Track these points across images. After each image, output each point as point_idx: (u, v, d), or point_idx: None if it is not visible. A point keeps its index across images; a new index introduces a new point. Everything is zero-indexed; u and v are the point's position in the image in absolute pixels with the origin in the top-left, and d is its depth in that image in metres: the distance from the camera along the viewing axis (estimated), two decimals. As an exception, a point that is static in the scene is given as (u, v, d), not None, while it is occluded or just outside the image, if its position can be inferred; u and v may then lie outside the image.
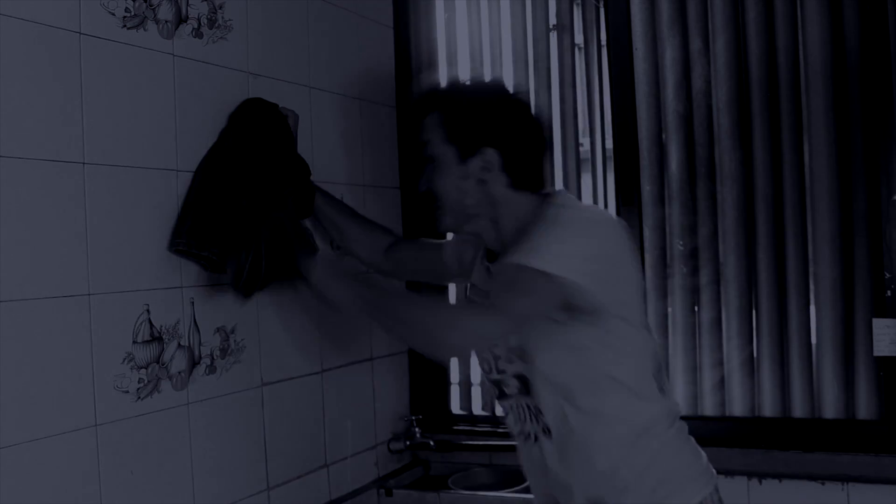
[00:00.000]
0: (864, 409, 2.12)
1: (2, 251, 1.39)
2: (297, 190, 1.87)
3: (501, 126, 1.59)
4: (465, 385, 2.55)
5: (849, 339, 2.13)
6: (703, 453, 1.63)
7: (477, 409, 2.54)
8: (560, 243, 1.47)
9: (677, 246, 2.29)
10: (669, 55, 2.28)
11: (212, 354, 1.81)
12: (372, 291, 1.64)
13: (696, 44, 2.26)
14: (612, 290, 1.50)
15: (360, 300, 1.62)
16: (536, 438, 1.62)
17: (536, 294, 1.44)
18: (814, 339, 2.16)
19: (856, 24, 2.11)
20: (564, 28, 2.42)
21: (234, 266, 1.73)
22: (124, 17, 1.63)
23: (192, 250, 1.69)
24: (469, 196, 1.60)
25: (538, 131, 1.66)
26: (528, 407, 1.60)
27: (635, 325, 1.58)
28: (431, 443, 2.42)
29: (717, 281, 2.25)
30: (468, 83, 1.88)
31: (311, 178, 1.93)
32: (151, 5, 1.69)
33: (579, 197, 2.40)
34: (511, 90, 1.71)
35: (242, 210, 1.73)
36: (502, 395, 1.66)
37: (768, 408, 2.20)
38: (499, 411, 2.49)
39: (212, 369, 1.81)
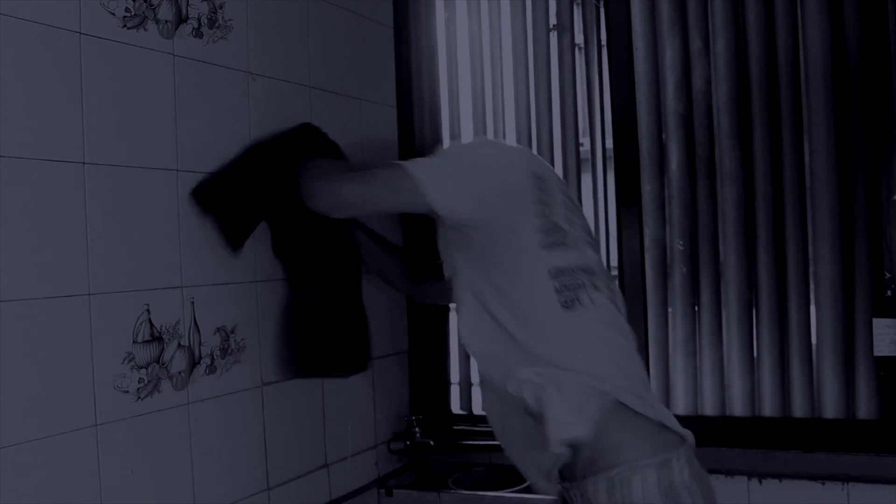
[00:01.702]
0: (865, 409, 2.12)
1: (2, 251, 1.39)
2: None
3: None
4: (465, 385, 2.55)
5: (849, 339, 2.13)
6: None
7: (477, 409, 2.54)
8: (452, 161, 1.67)
9: (677, 246, 2.29)
10: (669, 55, 2.28)
11: (212, 354, 1.81)
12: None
13: (696, 44, 2.26)
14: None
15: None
16: None
17: (397, 190, 1.66)
18: (814, 339, 2.16)
19: (856, 24, 2.11)
20: (564, 28, 2.42)
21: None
22: (124, 17, 1.63)
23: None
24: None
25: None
26: None
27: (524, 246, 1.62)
28: (431, 443, 2.42)
29: (717, 281, 2.25)
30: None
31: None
32: (151, 5, 1.69)
33: (579, 198, 2.40)
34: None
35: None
36: None
37: (768, 408, 2.20)
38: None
39: (212, 369, 1.81)
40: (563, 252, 1.60)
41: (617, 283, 1.78)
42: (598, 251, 1.73)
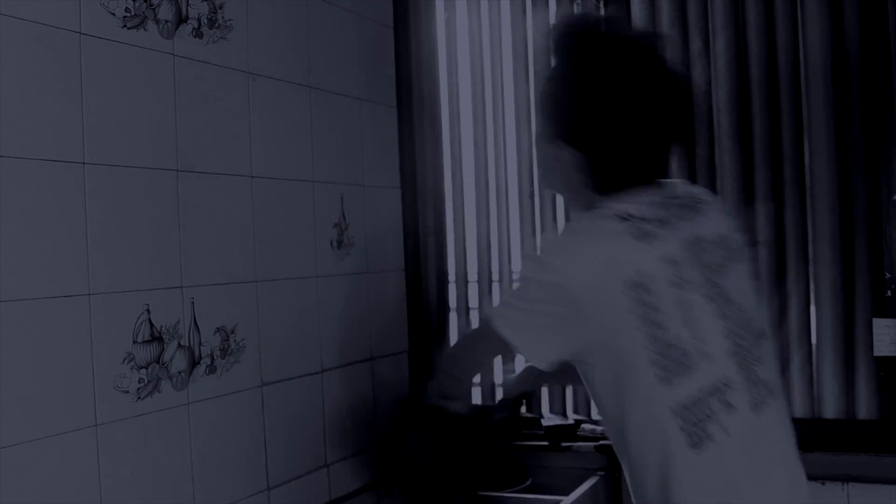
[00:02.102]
0: (864, 409, 2.12)
1: (2, 251, 1.39)
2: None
3: (588, 127, 1.39)
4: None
5: (849, 339, 2.13)
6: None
7: (477, 409, 2.54)
8: (524, 298, 1.41)
9: (677, 246, 2.29)
10: (669, 55, 2.28)
11: (212, 354, 1.81)
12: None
13: (696, 44, 2.26)
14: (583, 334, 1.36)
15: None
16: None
17: (488, 353, 1.61)
18: (814, 339, 2.16)
19: (856, 24, 2.11)
20: (564, 28, 2.42)
21: None
22: (124, 17, 1.63)
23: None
24: (557, 182, 1.52)
25: (641, 127, 1.40)
26: None
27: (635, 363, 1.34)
28: (431, 443, 2.42)
29: (717, 281, 2.25)
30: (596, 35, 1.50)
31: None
32: (151, 5, 1.69)
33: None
34: (644, 63, 1.44)
35: None
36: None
37: (768, 408, 2.20)
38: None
39: (212, 369, 1.81)
40: (688, 377, 1.30)
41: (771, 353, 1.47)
42: (749, 321, 1.40)
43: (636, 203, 1.39)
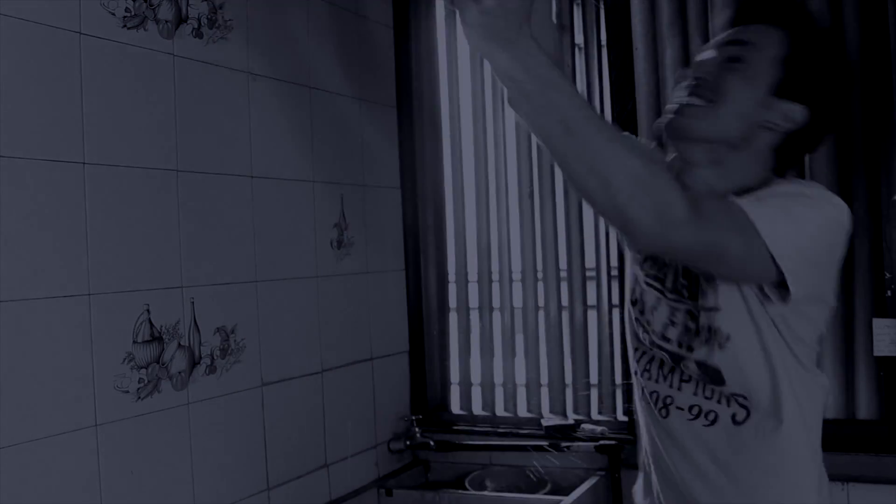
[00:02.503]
0: (864, 409, 2.12)
1: (2, 251, 1.39)
2: None
3: (834, 98, 1.39)
4: (465, 385, 2.55)
5: (849, 339, 2.13)
6: None
7: (477, 409, 2.54)
8: (792, 223, 1.25)
9: (677, 246, 2.29)
10: (669, 55, 2.28)
11: (212, 354, 1.81)
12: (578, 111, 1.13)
13: (696, 44, 2.25)
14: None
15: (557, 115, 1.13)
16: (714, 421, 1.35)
17: (749, 252, 1.20)
18: (814, 339, 2.16)
19: (856, 24, 2.11)
20: (564, 28, 2.42)
21: None
22: (124, 17, 1.63)
23: None
24: (742, 127, 1.32)
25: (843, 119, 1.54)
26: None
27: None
28: (431, 443, 2.42)
29: (717, 281, 2.25)
30: (829, 32, 1.58)
31: None
32: (151, 5, 1.69)
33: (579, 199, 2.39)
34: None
35: None
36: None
37: (768, 408, 2.20)
38: (499, 411, 2.50)
39: (212, 369, 1.81)
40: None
41: None
42: None
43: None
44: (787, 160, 1.39)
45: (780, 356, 1.33)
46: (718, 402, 1.34)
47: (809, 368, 1.38)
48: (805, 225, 1.27)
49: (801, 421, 1.38)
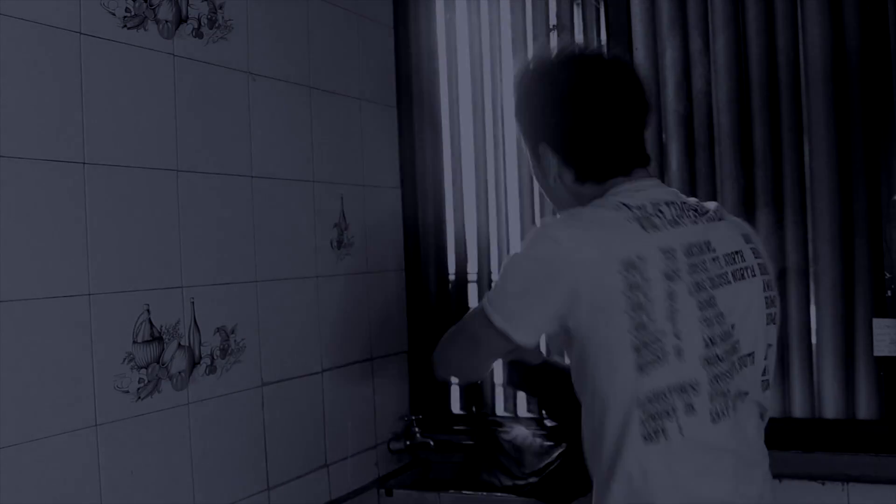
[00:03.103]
0: (865, 409, 2.12)
1: (2, 251, 1.39)
2: None
3: (550, 114, 1.46)
4: (465, 385, 2.55)
5: (849, 339, 2.13)
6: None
7: (477, 409, 2.54)
8: (520, 281, 1.38)
9: (677, 246, 2.29)
10: (669, 55, 2.28)
11: (212, 354, 1.81)
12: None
13: (696, 44, 2.26)
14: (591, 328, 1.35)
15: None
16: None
17: (482, 345, 1.47)
18: (814, 339, 2.16)
19: (856, 24, 2.11)
20: (564, 28, 2.42)
21: None
22: (124, 17, 1.63)
23: None
24: (556, 196, 1.52)
25: (607, 107, 1.45)
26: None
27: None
28: (431, 443, 2.42)
29: (717, 281, 2.25)
30: (538, 59, 1.57)
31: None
32: (151, 5, 1.69)
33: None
34: (584, 57, 1.53)
35: None
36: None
37: (769, 407, 2.20)
38: (499, 411, 2.50)
39: (212, 369, 1.81)
40: (660, 369, 1.31)
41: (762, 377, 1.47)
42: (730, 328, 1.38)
43: (643, 197, 1.41)
44: (592, 172, 1.46)
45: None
46: None
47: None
48: (506, 279, 1.42)
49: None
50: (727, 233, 1.45)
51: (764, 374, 1.46)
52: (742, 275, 1.41)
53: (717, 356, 1.35)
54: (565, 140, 1.45)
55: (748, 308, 1.42)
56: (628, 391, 1.32)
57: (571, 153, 1.45)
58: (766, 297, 1.45)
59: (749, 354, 1.41)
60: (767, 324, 1.45)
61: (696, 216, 1.43)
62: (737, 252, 1.43)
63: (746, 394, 1.40)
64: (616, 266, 1.31)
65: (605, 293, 1.31)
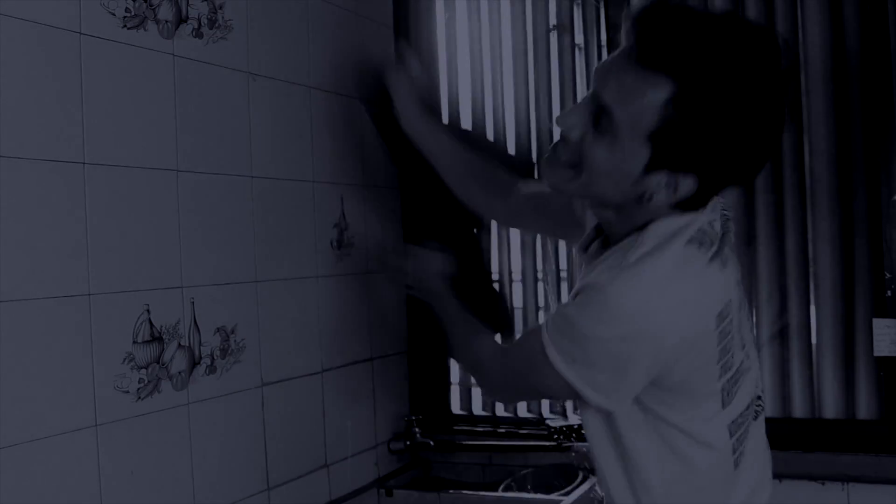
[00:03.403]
0: (865, 409, 2.12)
1: (2, 251, 1.39)
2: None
3: (726, 155, 1.14)
4: (465, 385, 2.55)
5: (849, 339, 2.13)
6: None
7: (477, 409, 2.54)
8: (609, 360, 1.19)
9: (677, 246, 2.29)
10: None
11: (212, 354, 1.81)
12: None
13: (696, 44, 2.25)
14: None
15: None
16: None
17: (548, 384, 1.26)
18: (814, 339, 2.16)
19: (856, 24, 2.11)
20: (564, 28, 2.42)
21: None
22: (124, 17, 1.63)
23: None
24: (616, 195, 1.21)
25: (762, 157, 1.20)
26: None
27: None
28: (431, 443, 2.42)
29: (717, 281, 2.25)
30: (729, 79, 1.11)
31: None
32: (151, 5, 1.69)
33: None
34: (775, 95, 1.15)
35: None
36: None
37: (769, 408, 2.20)
38: (499, 411, 2.50)
39: (212, 369, 1.81)
40: (738, 396, 1.26)
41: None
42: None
43: (699, 214, 1.23)
44: (694, 205, 1.21)
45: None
46: None
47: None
48: (591, 348, 1.20)
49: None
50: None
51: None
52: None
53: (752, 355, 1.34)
54: (722, 177, 1.19)
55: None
56: (722, 428, 1.26)
57: (711, 188, 1.20)
58: None
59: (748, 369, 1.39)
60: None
61: (726, 220, 1.31)
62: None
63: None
64: (713, 324, 1.19)
65: (702, 353, 1.20)
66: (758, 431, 1.34)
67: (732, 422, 1.26)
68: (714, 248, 1.20)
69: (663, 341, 1.16)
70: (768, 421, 2.18)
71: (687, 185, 1.16)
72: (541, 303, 2.45)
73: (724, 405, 1.24)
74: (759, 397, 1.36)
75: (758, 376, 1.34)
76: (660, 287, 1.15)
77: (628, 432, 1.27)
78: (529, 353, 1.27)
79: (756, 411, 1.33)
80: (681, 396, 1.23)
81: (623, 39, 1.17)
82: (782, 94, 1.17)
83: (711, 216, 1.25)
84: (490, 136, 2.45)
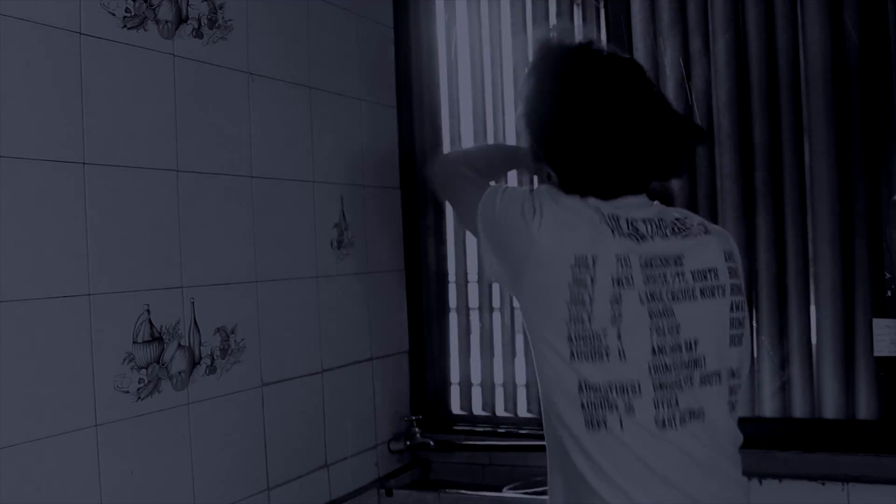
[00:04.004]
0: (865, 409, 2.12)
1: (2, 251, 1.39)
2: None
3: (541, 105, 1.49)
4: (465, 385, 2.55)
5: (849, 339, 2.13)
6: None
7: (477, 409, 2.54)
8: (505, 208, 1.47)
9: (677, 246, 2.29)
10: (669, 55, 2.28)
11: (212, 354, 1.81)
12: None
13: (696, 44, 2.26)
14: (533, 288, 1.40)
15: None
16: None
17: (466, 206, 1.54)
18: (814, 339, 2.16)
19: (856, 24, 2.11)
20: (564, 28, 2.42)
21: None
22: (124, 17, 1.63)
23: None
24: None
25: (595, 111, 1.41)
26: None
27: (557, 353, 1.37)
28: (431, 443, 2.42)
29: (717, 281, 2.25)
30: (548, 44, 1.59)
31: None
32: (151, 5, 1.69)
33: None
34: (594, 53, 1.48)
35: None
36: None
37: (768, 408, 2.20)
38: (499, 411, 2.50)
39: (212, 369, 1.81)
40: (599, 365, 1.33)
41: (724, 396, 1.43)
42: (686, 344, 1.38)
43: (625, 211, 1.41)
44: (583, 191, 1.43)
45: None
46: None
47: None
48: (499, 200, 1.51)
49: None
50: (706, 249, 1.43)
51: (731, 393, 1.43)
52: (712, 293, 1.41)
53: (665, 365, 1.35)
54: (549, 141, 1.47)
55: (712, 326, 1.41)
56: (565, 374, 1.36)
57: (551, 157, 1.47)
58: (731, 318, 1.43)
59: (715, 373, 1.39)
60: (731, 345, 1.42)
61: (673, 231, 1.42)
62: (710, 269, 1.42)
63: (702, 411, 1.37)
64: (570, 260, 1.35)
65: (551, 279, 1.36)
66: (646, 434, 1.33)
67: (584, 381, 1.34)
68: (612, 223, 1.38)
69: (531, 236, 1.38)
70: (769, 421, 2.21)
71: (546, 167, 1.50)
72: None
73: (570, 356, 1.35)
74: (691, 412, 1.36)
75: (644, 379, 1.34)
76: (557, 204, 1.41)
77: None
78: (468, 200, 1.56)
79: (631, 407, 1.33)
80: (539, 320, 1.39)
81: None
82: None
83: (636, 221, 1.40)
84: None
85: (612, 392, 1.33)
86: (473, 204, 1.51)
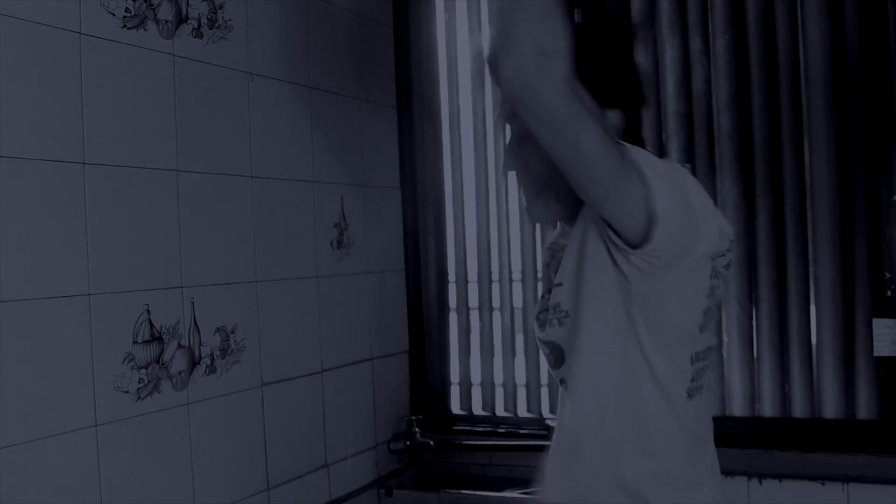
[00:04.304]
0: (864, 409, 2.12)
1: (2, 251, 1.39)
2: None
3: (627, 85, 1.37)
4: (465, 385, 2.55)
5: (849, 339, 2.13)
6: None
7: (477, 409, 2.54)
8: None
9: (677, 246, 2.29)
10: (669, 55, 2.28)
11: (212, 354, 1.81)
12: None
13: (696, 44, 2.26)
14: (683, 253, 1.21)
15: None
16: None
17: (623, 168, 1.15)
18: (814, 339, 2.16)
19: (856, 24, 2.11)
20: (564, 28, 2.41)
21: None
22: (124, 17, 1.63)
23: None
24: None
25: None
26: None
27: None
28: (431, 443, 2.42)
29: (717, 281, 2.25)
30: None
31: None
32: (151, 5, 1.69)
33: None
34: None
35: None
36: None
37: (768, 408, 2.20)
38: (499, 411, 2.50)
39: (212, 369, 1.81)
40: (705, 333, 1.28)
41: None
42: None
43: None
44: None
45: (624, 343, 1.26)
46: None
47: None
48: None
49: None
50: None
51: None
52: None
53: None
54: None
55: None
56: (689, 346, 1.27)
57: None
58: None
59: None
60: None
61: None
62: None
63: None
64: (716, 232, 1.25)
65: (705, 248, 1.23)
66: (710, 391, 1.35)
67: (697, 352, 1.27)
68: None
69: (694, 193, 1.26)
70: (769, 421, 2.21)
71: (615, 115, 1.30)
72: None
73: (698, 327, 1.26)
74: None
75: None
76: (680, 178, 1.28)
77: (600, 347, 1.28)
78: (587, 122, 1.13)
79: (713, 365, 1.33)
80: (667, 298, 1.24)
81: None
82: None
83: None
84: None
85: (708, 355, 1.31)
86: (634, 187, 1.16)
